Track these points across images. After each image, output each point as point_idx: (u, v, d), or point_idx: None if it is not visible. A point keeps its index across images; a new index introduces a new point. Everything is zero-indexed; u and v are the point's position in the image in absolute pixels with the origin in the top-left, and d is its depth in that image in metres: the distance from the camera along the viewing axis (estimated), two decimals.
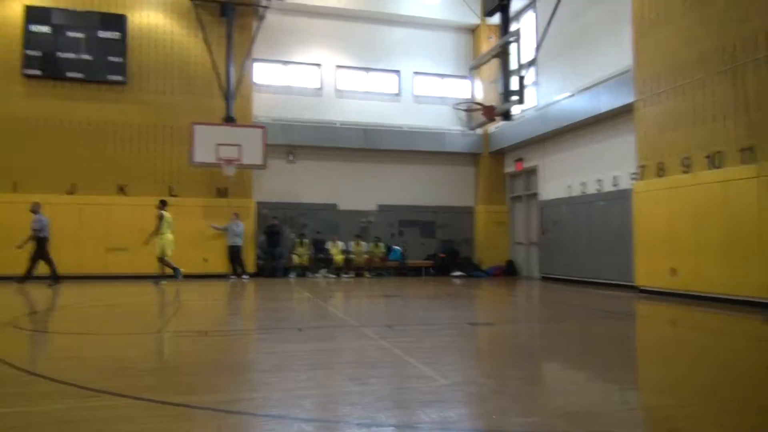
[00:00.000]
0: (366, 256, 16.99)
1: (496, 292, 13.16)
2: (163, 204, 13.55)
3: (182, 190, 15.52)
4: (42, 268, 12.68)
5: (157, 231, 13.24)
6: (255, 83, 16.69)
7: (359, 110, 17.67)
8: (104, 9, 15.23)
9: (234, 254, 15.29)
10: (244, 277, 15.19)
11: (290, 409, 3.51)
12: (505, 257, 18.02)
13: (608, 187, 13.34)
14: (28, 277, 12.49)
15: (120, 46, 15.13)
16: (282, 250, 16.37)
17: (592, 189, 13.96)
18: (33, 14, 14.66)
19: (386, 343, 5.79)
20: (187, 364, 5.01)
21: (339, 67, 17.82)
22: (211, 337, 6.44)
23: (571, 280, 14.53)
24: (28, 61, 14.57)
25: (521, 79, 13.47)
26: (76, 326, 7.33)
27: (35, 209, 12.65)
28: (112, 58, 15.07)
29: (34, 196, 14.09)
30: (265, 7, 16.10)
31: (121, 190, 15.07)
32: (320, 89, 17.60)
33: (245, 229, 15.52)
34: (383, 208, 17.86)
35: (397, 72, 18.31)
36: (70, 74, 14.83)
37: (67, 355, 5.41)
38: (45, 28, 14.70)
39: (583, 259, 14.14)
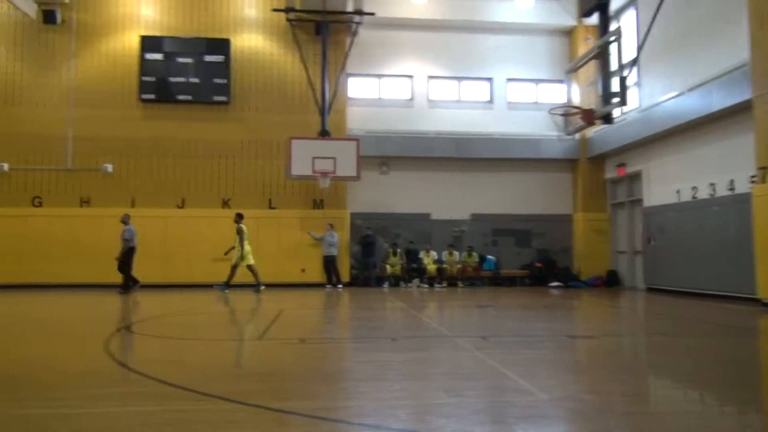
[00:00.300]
0: (459, 265, 16.80)
1: (596, 303, 12.53)
2: (240, 217, 14.01)
3: (280, 203, 16.15)
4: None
5: (239, 243, 13.73)
6: (349, 97, 17.10)
7: (451, 119, 17.59)
8: (210, 35, 16.25)
9: (329, 264, 15.66)
10: (339, 286, 15.51)
11: (384, 418, 3.50)
12: (606, 267, 17.13)
13: (723, 192, 12.33)
14: (135, 282, 13.33)
15: (224, 69, 16.07)
16: (375, 260, 16.56)
17: (704, 194, 12.97)
18: (148, 43, 15.93)
19: (481, 354, 5.66)
20: (286, 370, 5.15)
21: (431, 77, 17.86)
22: (308, 344, 6.60)
23: (680, 291, 13.53)
24: (143, 87, 15.84)
25: (623, 79, 12.82)
26: (184, 332, 7.79)
27: (125, 220, 13.34)
28: (217, 80, 16.04)
29: (148, 210, 15.26)
30: (358, 23, 16.50)
31: (225, 203, 15.92)
32: (412, 100, 17.73)
33: (340, 240, 15.87)
34: (476, 217, 17.60)
35: (490, 80, 18.06)
36: (180, 97, 15.95)
37: (176, 358, 5.75)
38: (158, 56, 15.92)
39: (694, 270, 13.12)
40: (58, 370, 5.16)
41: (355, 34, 16.64)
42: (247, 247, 13.87)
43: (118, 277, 13.28)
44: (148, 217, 15.27)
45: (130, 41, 15.96)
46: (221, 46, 16.17)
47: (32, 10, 15.31)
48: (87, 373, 4.99)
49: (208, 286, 14.77)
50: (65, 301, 11.95)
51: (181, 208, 15.81)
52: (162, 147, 15.88)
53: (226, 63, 16.12)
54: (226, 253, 14.08)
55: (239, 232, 13.78)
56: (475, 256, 16.99)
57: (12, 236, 14.72)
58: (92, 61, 15.84)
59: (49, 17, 15.42)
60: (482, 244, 17.46)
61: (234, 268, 13.81)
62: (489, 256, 17.20)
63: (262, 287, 13.92)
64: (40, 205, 15.23)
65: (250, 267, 13.95)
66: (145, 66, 15.84)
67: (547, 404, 3.79)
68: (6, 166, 15.09)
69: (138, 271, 13.64)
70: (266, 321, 8.49)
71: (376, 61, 17.50)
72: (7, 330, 8.00)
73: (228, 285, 13.79)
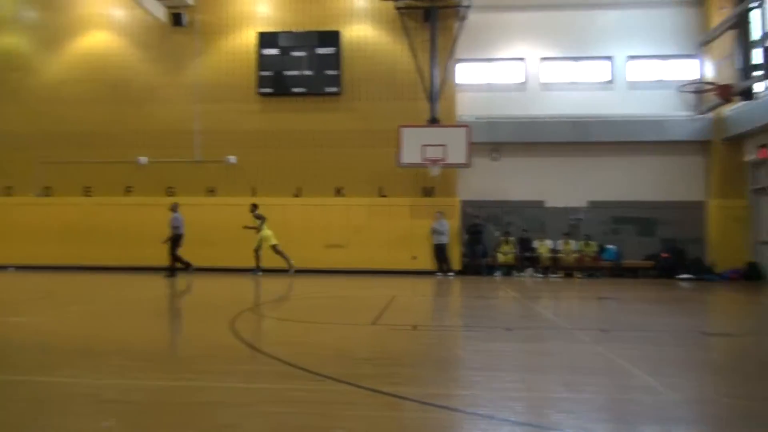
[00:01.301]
0: (575, 255, 16.07)
1: (734, 298, 11.44)
2: (255, 207, 14.85)
3: (390, 191, 16.34)
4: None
5: (259, 229, 14.61)
6: (458, 83, 16.86)
7: (566, 102, 16.77)
8: (321, 27, 16.71)
9: (440, 252, 15.63)
10: (450, 274, 15.44)
11: (500, 410, 3.42)
12: (745, 259, 15.58)
13: None
14: (187, 265, 13.99)
15: (335, 60, 16.48)
16: (484, 248, 16.27)
17: None
18: (264, 39, 16.70)
19: (601, 348, 5.37)
20: (399, 356, 5.20)
21: (544, 59, 17.12)
22: (420, 331, 6.62)
23: None
24: (261, 81, 16.65)
25: (767, 50, 11.50)
26: (301, 315, 8.13)
27: (174, 208, 13.97)
28: (328, 72, 16.48)
29: (267, 199, 16.06)
30: (467, 7, 16.17)
31: (338, 191, 16.39)
32: (524, 83, 17.12)
33: (450, 228, 15.76)
34: (595, 205, 16.70)
35: (609, 58, 16.97)
36: (294, 90, 16.59)
37: (295, 340, 6.01)
38: (274, 51, 16.65)
39: None
40: (193, 347, 5.59)
41: (463, 18, 16.33)
42: (267, 232, 14.65)
43: (241, 262, 14.16)
44: (268, 205, 16.09)
45: (248, 38, 16.80)
46: (332, 38, 16.57)
47: (162, 15, 16.58)
48: (217, 350, 5.35)
49: (322, 272, 15.33)
50: (197, 283, 12.92)
51: (298, 196, 16.48)
52: (279, 138, 16.62)
53: (337, 54, 16.50)
54: (250, 228, 14.75)
55: (258, 218, 14.69)
56: (593, 245, 16.16)
57: (149, 223, 16.12)
58: (215, 58, 16.89)
59: (177, 20, 16.63)
60: (600, 233, 16.54)
61: (257, 251, 14.72)
62: (609, 246, 16.28)
63: (293, 269, 14.64)
64: (173, 194, 16.54)
65: (275, 249, 14.68)
66: (262, 61, 16.62)
67: (679, 405, 3.50)
68: (145, 160, 16.54)
69: (251, 256, 14.52)
70: (379, 307, 8.63)
71: (486, 45, 17.06)
72: (153, 310, 8.78)
73: (258, 268, 14.68)
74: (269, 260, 14.81)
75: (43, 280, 13.05)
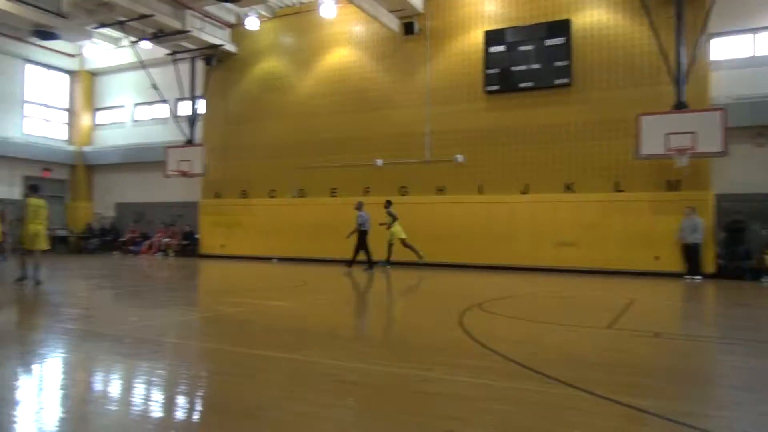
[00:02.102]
0: None
1: None
2: (388, 204, 15.42)
3: (628, 185, 15.01)
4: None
5: (389, 225, 15.18)
6: (711, 61, 14.75)
7: None
8: (549, 18, 16.09)
9: (690, 252, 13.86)
10: (697, 278, 13.61)
11: None
12: None
13: None
14: (372, 263, 14.61)
15: (564, 50, 15.71)
16: (746, 249, 13.95)
17: None
18: (491, 37, 16.70)
19: None
20: (639, 364, 4.74)
21: None
22: (664, 339, 5.96)
23: None
24: (488, 80, 16.68)
25: None
26: (531, 314, 7.93)
27: (359, 207, 14.79)
28: (558, 63, 15.79)
29: (495, 196, 16.07)
30: None
31: (568, 187, 15.62)
32: None
33: (704, 225, 13.86)
34: None
35: None
36: (522, 85, 16.26)
37: (523, 339, 5.88)
38: (501, 48, 16.54)
39: None
40: (425, 339, 5.84)
41: None
42: (397, 228, 15.24)
43: (469, 258, 14.39)
44: (494, 203, 16.11)
45: (476, 38, 16.97)
46: (561, 27, 15.83)
47: (396, 26, 17.67)
48: (446, 343, 5.51)
49: (551, 270, 14.80)
50: (427, 278, 13.51)
51: (525, 193, 16.15)
52: (506, 135, 16.48)
53: (567, 44, 15.71)
54: (383, 224, 15.38)
55: (390, 214, 15.28)
56: None
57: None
58: (443, 61, 17.43)
59: (408, 29, 17.57)
60: None
61: (390, 245, 15.40)
62: None
63: (423, 257, 15.20)
64: (406, 193, 17.53)
65: (403, 243, 15.26)
66: (489, 59, 16.64)
67: None
68: (381, 162, 17.84)
69: (484, 253, 14.59)
70: (616, 310, 8.00)
71: (747, 12, 14.61)
72: (388, 302, 9.44)
73: (388, 261, 15.35)
74: (500, 257, 14.75)
75: (300, 270, 14.91)
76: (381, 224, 15.51)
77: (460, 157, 16.71)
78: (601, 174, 15.27)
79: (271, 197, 19.66)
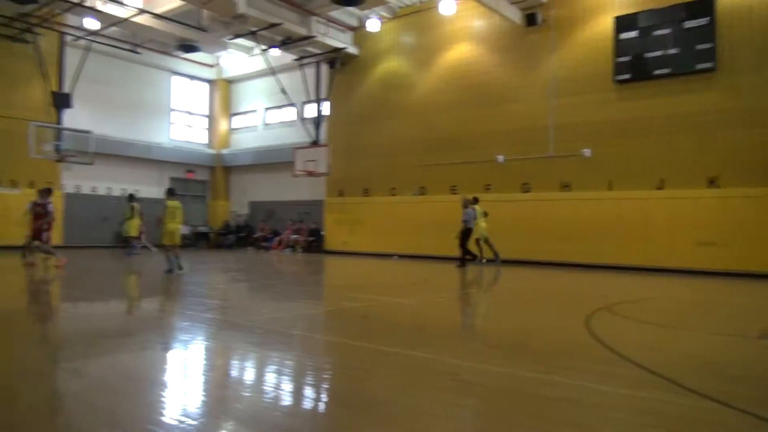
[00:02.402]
0: None
1: None
2: (475, 200, 15.31)
3: None
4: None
5: (475, 221, 14.92)
6: None
7: None
8: None
9: None
10: None
11: None
12: None
13: None
14: (473, 257, 14.82)
15: (708, 32, 14.32)
16: None
17: None
18: (622, 23, 15.65)
19: None
20: None
21: None
22: None
23: None
24: (618, 68, 15.65)
25: None
26: (664, 318, 7.36)
27: (465, 204, 14.74)
28: (700, 46, 14.44)
29: (627, 192, 15.12)
30: None
31: (711, 182, 14.27)
32: None
33: None
34: None
35: None
36: (657, 72, 15.09)
37: (656, 345, 5.48)
38: (632, 33, 15.45)
39: None
40: (548, 341, 5.65)
41: None
42: (482, 224, 15.30)
43: (597, 258, 13.64)
44: (625, 200, 15.16)
45: (605, 25, 16.01)
46: (704, 7, 14.45)
47: (518, 18, 17.18)
48: (571, 347, 5.29)
49: (690, 272, 13.65)
50: (549, 278, 13.05)
51: (660, 189, 15.01)
52: (638, 127, 15.40)
53: (711, 25, 14.33)
54: (456, 236, 15.00)
55: (469, 213, 15.01)
56: None
57: (506, 218, 16.97)
58: (568, 52, 16.64)
59: (531, 20, 17.01)
60: None
61: (477, 242, 15.47)
62: None
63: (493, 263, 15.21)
64: (528, 190, 17.01)
65: (485, 240, 15.48)
66: (619, 46, 15.63)
67: None
68: (502, 158, 17.45)
69: (614, 253, 13.78)
70: (763, 318, 7.19)
71: None
72: (508, 302, 9.26)
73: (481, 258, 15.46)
74: (633, 257, 13.88)
75: (420, 268, 15.05)
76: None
77: (587, 151, 15.87)
78: (749, 167, 13.79)
79: (392, 195, 20.01)
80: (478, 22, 18.23)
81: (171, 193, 11.96)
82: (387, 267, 15.59)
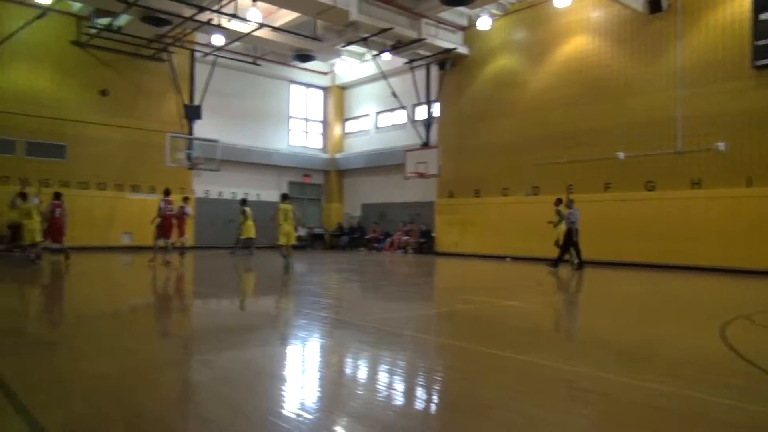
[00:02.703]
0: None
1: None
2: (559, 201, 14.74)
3: None
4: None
5: (556, 224, 14.73)
6: None
7: None
8: None
9: None
10: None
11: None
12: None
13: None
14: (576, 262, 13.96)
15: None
16: None
17: None
18: (761, 1, 14.14)
19: None
20: None
21: None
22: None
23: None
24: (757, 52, 14.14)
25: None
26: None
27: (569, 205, 14.07)
28: None
29: (766, 190, 13.67)
30: None
31: None
32: None
33: None
34: None
35: None
36: None
37: None
38: None
39: None
40: (675, 350, 5.24)
41: None
42: (561, 227, 14.46)
43: (737, 262, 12.48)
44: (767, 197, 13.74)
45: (740, 5, 14.56)
46: None
47: (639, 4, 16.09)
48: (701, 358, 4.86)
49: None
50: (678, 282, 12.09)
51: None
52: None
53: None
54: (551, 222, 15.15)
55: (559, 213, 14.66)
56: None
57: (627, 218, 15.95)
58: (698, 37, 15.30)
59: (654, 7, 15.84)
60: None
61: (557, 244, 14.68)
62: None
63: (574, 262, 14.04)
64: (653, 188, 15.89)
65: (556, 243, 14.66)
66: (759, 28, 14.13)
67: None
68: (623, 155, 16.44)
69: (752, 255, 12.46)
70: None
71: None
72: (626, 308, 8.72)
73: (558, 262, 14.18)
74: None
75: (534, 270, 14.57)
76: (549, 222, 15.14)
77: (721, 145, 14.53)
78: None
79: (504, 195, 19.58)
80: (595, 12, 17.34)
81: (284, 197, 13.32)
82: (499, 269, 15.28)
